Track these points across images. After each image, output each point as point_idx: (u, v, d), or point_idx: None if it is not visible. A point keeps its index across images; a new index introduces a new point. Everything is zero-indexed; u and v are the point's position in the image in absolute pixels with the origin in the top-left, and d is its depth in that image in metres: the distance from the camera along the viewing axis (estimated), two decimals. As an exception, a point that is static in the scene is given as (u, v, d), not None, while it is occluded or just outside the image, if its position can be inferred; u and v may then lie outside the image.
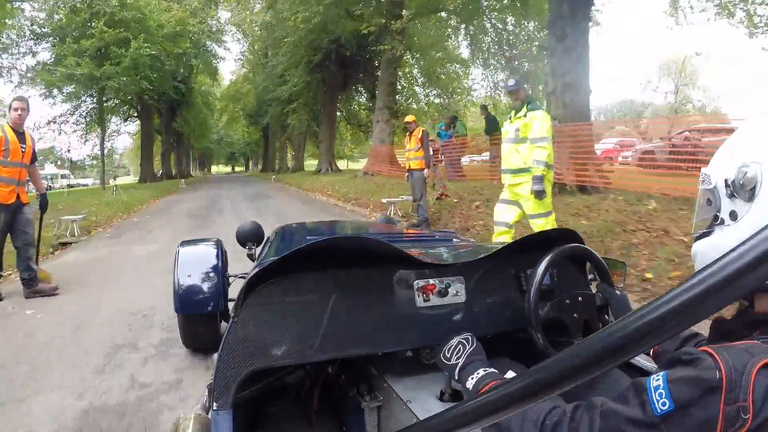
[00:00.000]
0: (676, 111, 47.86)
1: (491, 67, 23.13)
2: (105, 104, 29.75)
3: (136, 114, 31.88)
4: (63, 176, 47.51)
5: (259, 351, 1.13)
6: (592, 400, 0.76)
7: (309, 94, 25.44)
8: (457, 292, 1.35)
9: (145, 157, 30.56)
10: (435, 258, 1.44)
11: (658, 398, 0.65)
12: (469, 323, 1.34)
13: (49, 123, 26.48)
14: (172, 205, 14.19)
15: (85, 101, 23.32)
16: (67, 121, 26.76)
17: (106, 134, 33.13)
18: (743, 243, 0.43)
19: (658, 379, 0.67)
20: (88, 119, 25.62)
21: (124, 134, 43.17)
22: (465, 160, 15.06)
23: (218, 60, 35.04)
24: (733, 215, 0.79)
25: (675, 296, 0.45)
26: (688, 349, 0.69)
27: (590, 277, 1.54)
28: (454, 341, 1.20)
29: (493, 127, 12.29)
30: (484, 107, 13.94)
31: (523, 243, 1.43)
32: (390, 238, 1.97)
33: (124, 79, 17.30)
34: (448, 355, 1.18)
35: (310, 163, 38.86)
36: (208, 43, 30.42)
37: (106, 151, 26.15)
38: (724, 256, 0.44)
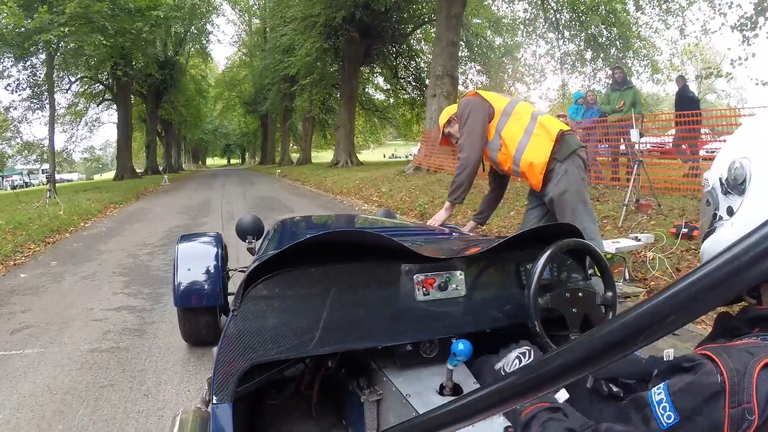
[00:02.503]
0: (700, 101, 43.78)
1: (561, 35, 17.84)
2: (73, 85, 25.50)
3: (111, 97, 26.66)
4: (44, 171, 43.11)
5: (259, 345, 1.12)
6: (596, 427, 0.76)
7: (324, 66, 20.19)
8: (457, 286, 1.33)
9: (121, 149, 25.43)
10: (435, 252, 1.39)
11: (662, 412, 0.64)
12: (469, 317, 1.33)
13: (8, 109, 21.97)
14: (122, 227, 8.52)
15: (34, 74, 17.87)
16: (32, 108, 22.11)
17: (87, 123, 29.29)
18: (744, 238, 0.42)
19: (659, 393, 0.66)
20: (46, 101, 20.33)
21: (107, 123, 39.15)
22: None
23: (210, 34, 30.06)
24: (729, 211, 0.81)
25: (677, 291, 0.44)
26: (688, 355, 0.69)
27: (590, 272, 1.51)
28: (513, 355, 1.17)
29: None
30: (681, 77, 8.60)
31: (523, 237, 1.41)
32: (390, 231, 1.87)
33: (66, 30, 11.80)
34: (508, 371, 1.12)
35: (314, 155, 34.50)
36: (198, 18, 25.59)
37: (99, 143, 21.15)
38: (725, 251, 0.42)
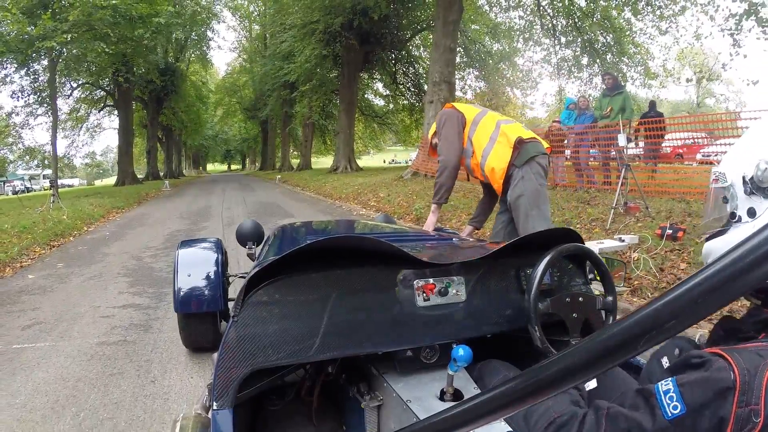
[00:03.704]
0: (699, 105, 43.88)
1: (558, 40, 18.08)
2: (74, 91, 25.71)
3: (112, 103, 26.87)
4: (46, 176, 43.30)
5: (259, 350, 1.12)
6: (597, 403, 0.76)
7: (323, 73, 20.40)
8: (458, 291, 1.34)
9: (123, 155, 25.60)
10: (435, 257, 1.42)
11: (669, 402, 0.64)
12: (470, 323, 1.33)
13: (10, 114, 22.15)
14: (125, 232, 8.77)
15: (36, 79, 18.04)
16: (34, 113, 22.25)
17: (88, 128, 29.45)
18: (746, 240, 0.40)
19: (667, 384, 0.66)
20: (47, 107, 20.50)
21: (108, 129, 39.34)
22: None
23: (210, 40, 30.33)
24: (751, 212, 0.77)
25: (678, 294, 0.43)
26: (696, 352, 0.68)
27: (590, 276, 1.52)
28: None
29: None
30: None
31: (522, 243, 1.43)
32: (390, 237, 1.92)
33: (69, 36, 12.03)
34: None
35: (314, 161, 34.41)
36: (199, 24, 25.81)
37: (100, 148, 21.25)
38: (726, 253, 0.40)
